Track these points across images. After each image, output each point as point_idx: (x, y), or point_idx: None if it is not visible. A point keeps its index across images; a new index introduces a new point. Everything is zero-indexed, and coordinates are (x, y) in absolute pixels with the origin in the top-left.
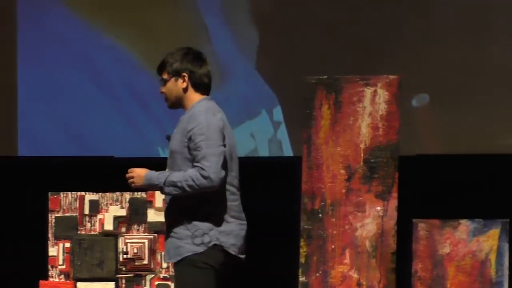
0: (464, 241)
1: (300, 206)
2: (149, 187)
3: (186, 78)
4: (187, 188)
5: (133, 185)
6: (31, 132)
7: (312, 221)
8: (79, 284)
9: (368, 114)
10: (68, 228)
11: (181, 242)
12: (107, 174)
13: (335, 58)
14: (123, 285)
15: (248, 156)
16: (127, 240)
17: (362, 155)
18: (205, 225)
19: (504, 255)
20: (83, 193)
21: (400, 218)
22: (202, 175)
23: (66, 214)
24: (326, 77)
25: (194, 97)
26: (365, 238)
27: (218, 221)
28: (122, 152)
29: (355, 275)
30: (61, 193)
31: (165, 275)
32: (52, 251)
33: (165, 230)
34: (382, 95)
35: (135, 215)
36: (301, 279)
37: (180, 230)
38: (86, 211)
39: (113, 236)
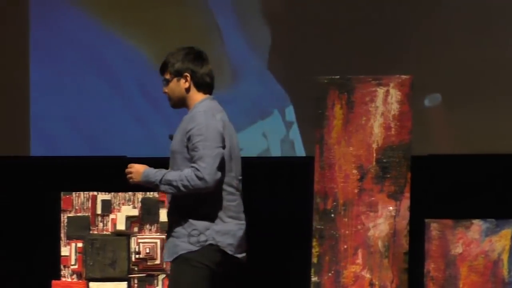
0: (477, 241)
1: (312, 206)
2: (146, 184)
3: (188, 78)
4: (182, 188)
5: (131, 180)
6: (43, 132)
7: (324, 221)
8: (91, 284)
9: (381, 114)
10: (81, 228)
11: (178, 241)
12: (119, 174)
13: (347, 58)
14: (136, 285)
15: (261, 156)
16: (139, 240)
17: (374, 155)
18: (201, 225)
19: None
20: (95, 193)
21: (412, 218)
22: (197, 176)
23: (78, 214)
24: (338, 77)
25: (196, 97)
26: (378, 238)
27: (214, 221)
28: (134, 152)
29: (368, 275)
30: (74, 193)
31: None
32: (64, 251)
33: None
34: (395, 95)
35: (148, 215)
36: (314, 279)
37: (178, 229)
38: (99, 211)
39: (125, 236)
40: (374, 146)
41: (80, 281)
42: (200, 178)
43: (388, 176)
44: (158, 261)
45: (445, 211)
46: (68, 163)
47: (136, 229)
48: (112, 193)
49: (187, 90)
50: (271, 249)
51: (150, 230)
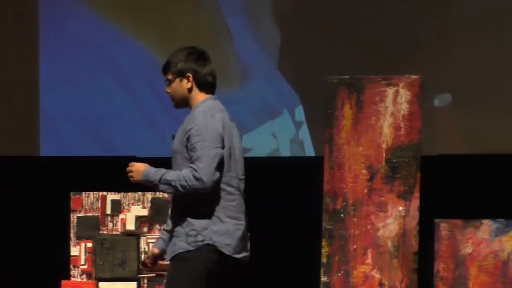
0: (486, 241)
1: (322, 206)
2: (146, 183)
3: (191, 78)
4: (180, 188)
5: (131, 179)
6: (53, 132)
7: (334, 221)
8: (101, 284)
9: (390, 114)
10: (90, 228)
11: (177, 240)
12: None
13: (357, 58)
14: (145, 285)
15: (270, 156)
16: (149, 240)
17: (384, 155)
18: (200, 225)
19: None
20: (105, 193)
21: (422, 218)
22: (195, 176)
23: (88, 214)
24: (348, 77)
25: (199, 96)
26: (387, 238)
27: (213, 221)
28: (144, 152)
29: (377, 275)
30: (83, 193)
31: None
32: (74, 251)
33: None
34: (404, 95)
35: (157, 215)
36: (323, 279)
37: (177, 229)
38: (108, 211)
39: (135, 236)
40: (384, 146)
41: (90, 281)
42: (197, 179)
43: (398, 176)
44: (167, 261)
45: (455, 211)
46: (78, 163)
47: (145, 229)
48: (122, 193)
49: (190, 90)
50: (281, 249)
51: (160, 230)
